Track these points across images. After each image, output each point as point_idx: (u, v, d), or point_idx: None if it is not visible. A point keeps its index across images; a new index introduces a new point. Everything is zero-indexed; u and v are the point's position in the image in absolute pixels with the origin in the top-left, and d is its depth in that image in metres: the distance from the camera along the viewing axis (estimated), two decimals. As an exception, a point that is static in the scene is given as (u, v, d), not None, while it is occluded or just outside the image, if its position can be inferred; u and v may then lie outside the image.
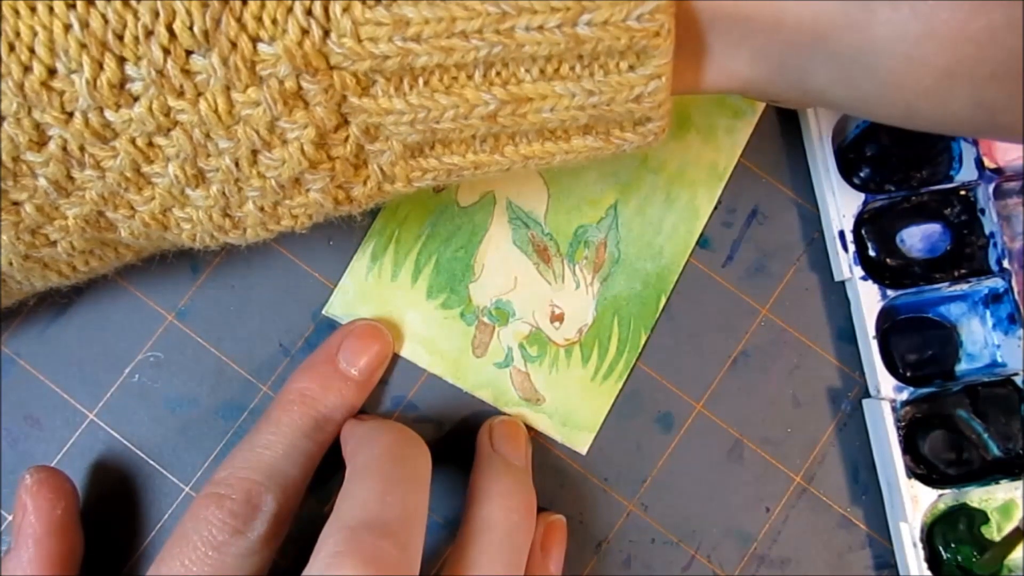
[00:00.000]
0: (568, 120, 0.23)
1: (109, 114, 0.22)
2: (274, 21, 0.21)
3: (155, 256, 0.31)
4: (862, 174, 0.32)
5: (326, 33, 0.21)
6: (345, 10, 0.21)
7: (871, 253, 0.32)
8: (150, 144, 0.22)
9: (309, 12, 0.21)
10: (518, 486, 0.27)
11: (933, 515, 0.30)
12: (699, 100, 0.33)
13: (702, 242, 0.32)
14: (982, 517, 0.30)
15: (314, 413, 0.28)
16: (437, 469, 0.27)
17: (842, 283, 0.32)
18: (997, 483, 0.30)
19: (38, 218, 0.23)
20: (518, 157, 0.25)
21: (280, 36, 0.21)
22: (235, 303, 0.31)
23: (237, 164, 0.23)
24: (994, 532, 0.30)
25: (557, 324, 0.32)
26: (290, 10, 0.21)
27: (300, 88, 0.22)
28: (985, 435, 0.31)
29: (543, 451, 0.31)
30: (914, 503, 0.29)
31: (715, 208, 0.32)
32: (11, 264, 0.24)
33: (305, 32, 0.21)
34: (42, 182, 0.22)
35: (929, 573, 0.29)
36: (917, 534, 0.29)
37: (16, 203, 0.23)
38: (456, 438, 0.31)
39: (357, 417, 0.29)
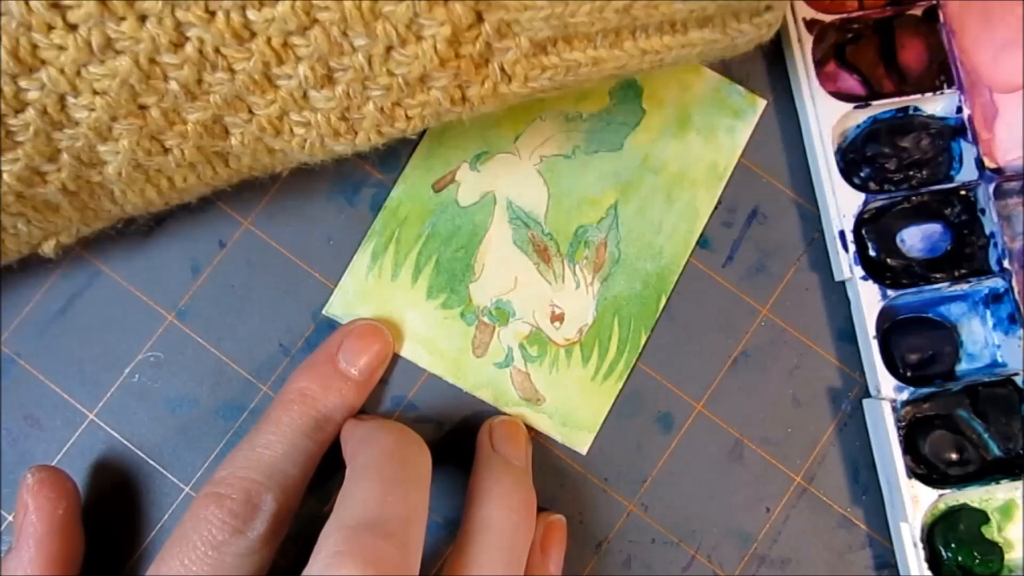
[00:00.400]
0: (696, 10, 0.24)
1: (252, 13, 0.22)
2: None
3: (155, 256, 0.31)
4: (862, 174, 0.32)
5: None
6: None
7: (871, 253, 0.32)
8: (285, 44, 0.22)
9: None
10: (518, 486, 0.27)
11: (933, 515, 0.30)
12: (699, 100, 0.33)
13: (702, 242, 0.32)
14: (982, 517, 0.30)
15: (314, 413, 0.28)
16: (437, 469, 0.27)
17: (842, 283, 0.32)
18: (997, 483, 0.30)
19: (161, 123, 0.23)
20: (636, 51, 0.25)
21: None
22: (235, 303, 0.31)
23: (370, 62, 0.23)
24: (994, 532, 0.30)
25: (557, 324, 0.32)
26: None
27: None
28: (985, 435, 0.31)
29: (543, 451, 0.31)
30: (914, 503, 0.29)
31: (715, 208, 0.32)
32: (120, 174, 0.24)
33: None
34: (173, 85, 0.22)
35: (929, 573, 0.29)
36: (917, 534, 0.29)
37: (143, 107, 0.23)
38: (456, 438, 0.31)
39: (357, 417, 0.29)
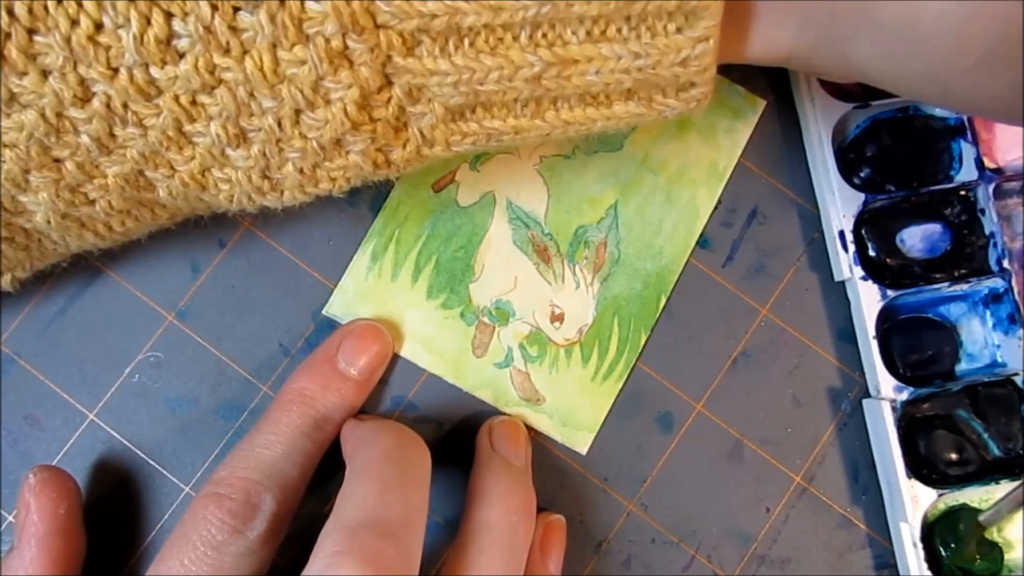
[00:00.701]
0: (612, 84, 0.23)
1: (155, 71, 0.22)
2: None
3: (154, 256, 0.31)
4: (862, 174, 0.32)
5: None
6: None
7: (871, 253, 0.32)
8: (193, 102, 0.22)
9: None
10: (518, 486, 0.27)
11: (933, 515, 0.30)
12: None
13: (702, 242, 0.32)
14: (982, 517, 0.30)
15: (313, 413, 0.28)
16: (437, 469, 0.27)
17: (842, 283, 0.32)
18: (997, 483, 0.30)
19: (79, 176, 0.23)
20: (559, 122, 0.25)
21: None
22: (235, 303, 0.31)
23: (280, 124, 0.23)
24: (994, 532, 0.30)
25: (557, 324, 0.32)
26: None
27: (346, 47, 0.22)
28: (985, 435, 0.31)
29: (543, 451, 0.31)
30: (914, 503, 0.29)
31: (715, 208, 0.32)
32: (48, 223, 0.24)
33: None
34: (84, 139, 0.23)
35: (929, 573, 0.29)
36: (917, 534, 0.29)
37: (57, 160, 0.23)
38: (456, 438, 0.31)
39: (357, 417, 0.29)
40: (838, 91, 0.32)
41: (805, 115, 0.32)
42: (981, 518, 0.29)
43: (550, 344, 0.31)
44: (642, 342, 0.32)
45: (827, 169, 0.31)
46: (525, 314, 0.32)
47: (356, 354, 0.29)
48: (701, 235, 0.32)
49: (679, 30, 0.22)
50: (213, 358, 0.31)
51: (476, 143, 0.25)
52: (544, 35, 0.22)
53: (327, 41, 0.21)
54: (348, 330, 0.30)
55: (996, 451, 0.31)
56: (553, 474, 0.31)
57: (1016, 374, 0.31)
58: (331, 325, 0.31)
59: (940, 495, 0.29)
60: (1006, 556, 0.30)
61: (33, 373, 0.31)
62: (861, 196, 0.31)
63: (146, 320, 0.31)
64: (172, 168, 0.24)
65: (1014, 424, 0.31)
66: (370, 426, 0.27)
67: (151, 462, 0.31)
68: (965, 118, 0.32)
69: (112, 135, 0.23)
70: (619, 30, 0.22)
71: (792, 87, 0.33)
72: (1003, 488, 0.30)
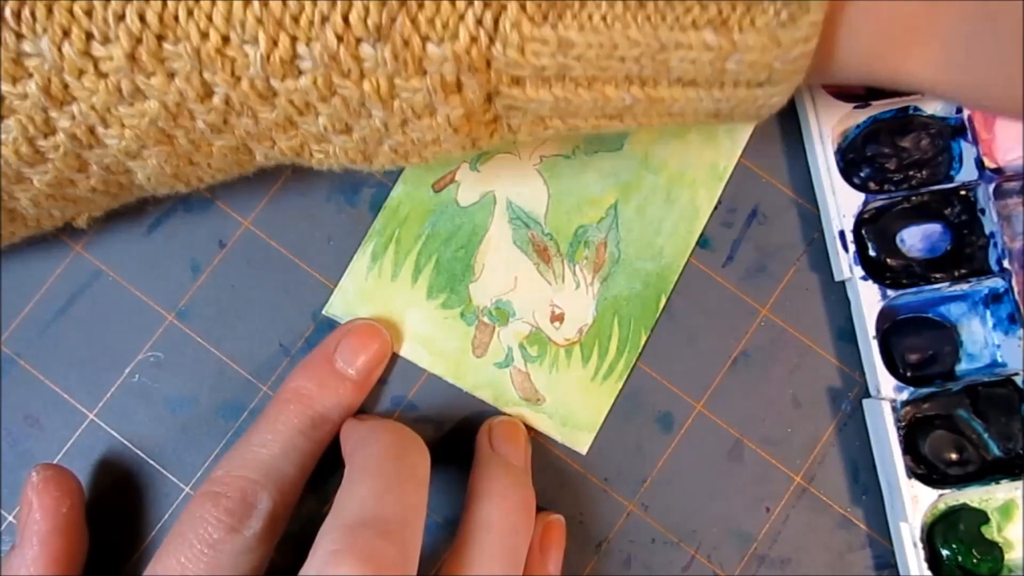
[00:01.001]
0: (690, 112, 0.25)
1: (275, 82, 0.23)
2: (445, 26, 0.22)
3: (154, 256, 0.31)
4: (862, 174, 0.32)
5: (491, 41, 0.22)
6: (514, 25, 0.22)
7: (871, 253, 0.32)
8: (307, 104, 0.23)
9: (479, 22, 0.22)
10: (517, 486, 0.27)
11: (933, 515, 0.30)
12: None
13: (702, 242, 0.32)
14: (982, 517, 0.30)
15: (311, 412, 0.28)
16: (437, 469, 0.27)
17: (842, 283, 0.32)
18: (997, 483, 0.30)
19: (188, 148, 0.25)
20: (633, 123, 0.26)
21: (450, 40, 0.22)
22: (235, 303, 0.31)
23: (386, 126, 0.24)
24: (994, 532, 0.30)
25: (557, 324, 0.32)
26: (462, 18, 0.22)
27: (459, 81, 0.23)
28: (985, 435, 0.31)
29: (543, 451, 0.31)
30: (914, 503, 0.29)
31: (715, 208, 0.32)
32: (150, 180, 0.26)
33: (474, 40, 0.22)
34: (201, 124, 0.24)
35: (929, 573, 0.29)
36: (917, 534, 0.29)
37: (171, 136, 0.24)
38: (456, 438, 0.31)
39: (356, 417, 0.29)
40: (838, 91, 0.32)
41: (805, 115, 0.32)
42: None
43: (550, 344, 0.31)
44: (642, 342, 0.32)
45: (827, 169, 0.31)
46: (525, 314, 0.32)
47: (354, 353, 0.29)
48: (701, 235, 0.32)
49: (760, 86, 0.23)
50: (213, 358, 0.31)
51: (557, 133, 0.26)
52: (640, 79, 0.23)
53: (443, 76, 0.23)
54: (347, 329, 0.30)
55: (996, 451, 0.31)
56: (553, 474, 0.31)
57: (1016, 374, 0.30)
58: (331, 325, 0.31)
59: (940, 495, 0.29)
60: (1006, 556, 0.30)
61: (33, 373, 0.31)
62: (861, 196, 0.31)
63: (146, 320, 0.31)
64: (274, 142, 0.25)
65: (1014, 424, 0.30)
66: (369, 425, 0.27)
67: (151, 462, 0.31)
68: (965, 118, 0.31)
69: (226, 122, 0.24)
70: (707, 79, 0.23)
71: (792, 87, 0.33)
72: (1003, 488, 0.30)
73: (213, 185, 0.29)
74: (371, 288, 0.31)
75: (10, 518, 0.30)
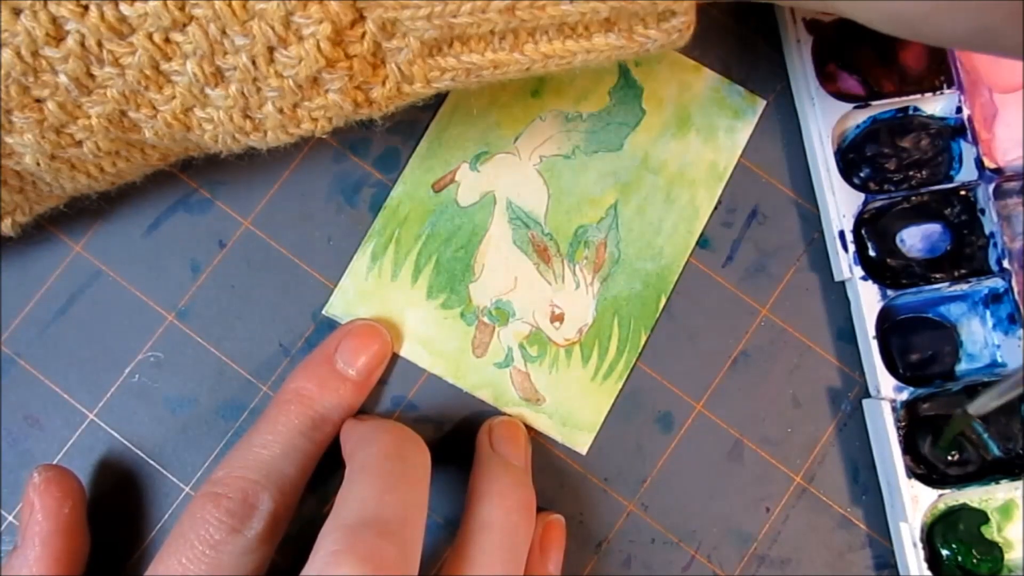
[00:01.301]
0: (588, 13, 0.23)
1: (124, 7, 0.22)
2: None
3: (154, 256, 0.31)
4: (862, 174, 0.32)
5: None
6: None
7: (871, 253, 0.32)
8: (167, 40, 0.22)
9: None
10: (517, 486, 0.27)
11: (933, 515, 0.30)
12: (699, 100, 0.33)
13: (702, 242, 0.32)
14: (982, 517, 0.30)
15: (311, 412, 0.28)
16: (437, 469, 0.27)
17: (842, 283, 0.32)
18: (997, 483, 0.30)
19: (61, 116, 0.24)
20: (538, 55, 0.24)
21: None
22: (235, 303, 0.31)
23: (254, 62, 0.23)
24: (994, 532, 0.30)
25: (557, 324, 0.32)
26: None
27: None
28: (985, 435, 0.31)
29: (543, 451, 0.31)
30: (914, 503, 0.29)
31: (715, 208, 0.32)
32: (38, 164, 0.25)
33: None
34: (63, 79, 0.23)
35: (929, 573, 0.29)
36: (917, 534, 0.29)
37: (38, 100, 0.23)
38: (456, 438, 0.31)
39: (357, 417, 0.29)
40: (838, 91, 0.32)
41: (805, 115, 0.32)
42: (970, 407, 0.28)
43: (550, 344, 0.31)
44: (642, 342, 0.32)
45: (827, 169, 0.31)
46: (525, 314, 0.32)
47: (354, 354, 0.29)
48: (701, 235, 0.32)
49: None
50: (213, 358, 0.31)
51: (456, 79, 0.25)
52: None
53: None
54: (347, 330, 0.30)
55: (996, 451, 0.31)
56: (553, 474, 0.31)
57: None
58: (331, 325, 0.31)
59: (940, 495, 0.29)
60: (1006, 556, 0.30)
61: (33, 373, 0.31)
62: (861, 196, 0.31)
63: (146, 320, 0.31)
64: (154, 108, 0.24)
65: (1014, 424, 0.30)
66: (370, 426, 0.27)
67: (151, 462, 0.31)
68: (965, 118, 0.32)
69: (90, 75, 0.23)
70: None
71: (792, 87, 0.33)
72: (1003, 488, 0.30)
73: (149, 175, 0.27)
74: (371, 288, 0.31)
75: (10, 518, 0.30)
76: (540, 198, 0.32)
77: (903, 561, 0.30)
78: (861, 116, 0.32)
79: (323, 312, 0.31)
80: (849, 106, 0.31)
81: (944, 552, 0.30)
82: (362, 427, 0.28)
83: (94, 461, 0.31)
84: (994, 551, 0.30)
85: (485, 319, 0.31)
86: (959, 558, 0.30)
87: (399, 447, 0.26)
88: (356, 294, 0.31)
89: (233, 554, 0.25)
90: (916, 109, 0.32)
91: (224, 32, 0.22)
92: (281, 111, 0.24)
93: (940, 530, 0.30)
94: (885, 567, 0.31)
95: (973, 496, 0.30)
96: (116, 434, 0.31)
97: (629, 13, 0.23)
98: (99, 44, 0.22)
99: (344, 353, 0.29)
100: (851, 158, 0.32)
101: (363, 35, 0.23)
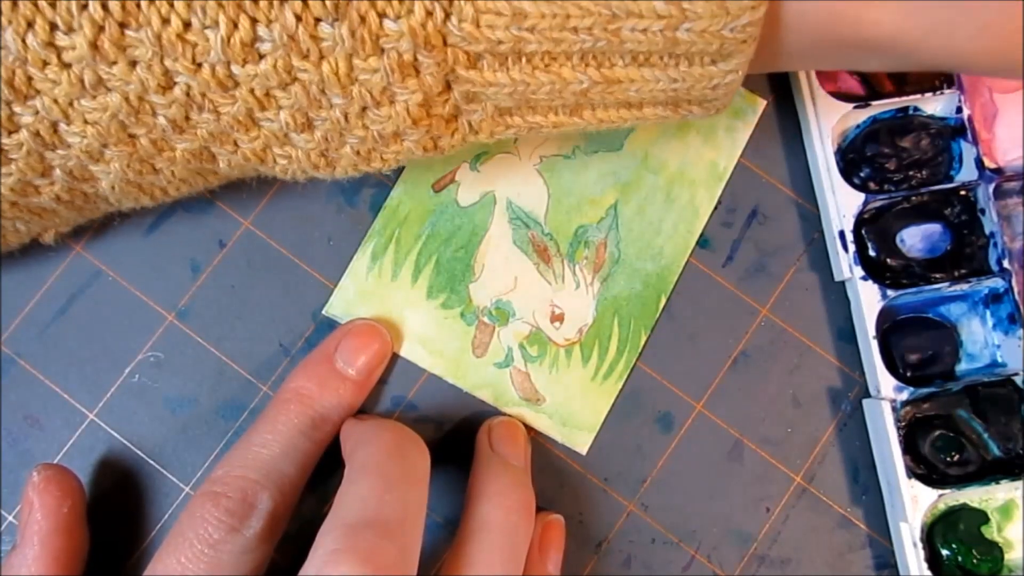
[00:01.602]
0: (648, 97, 0.25)
1: (235, 68, 0.23)
2: (401, 1, 0.22)
3: (154, 256, 0.31)
4: (862, 174, 0.32)
5: (447, 16, 0.22)
6: None
7: (871, 253, 0.32)
8: (267, 95, 0.24)
9: None
10: (517, 486, 0.27)
11: (933, 515, 0.30)
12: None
13: (702, 242, 0.32)
14: (982, 517, 0.30)
15: (311, 412, 0.28)
16: (437, 469, 0.27)
17: (842, 283, 0.32)
18: (997, 483, 0.30)
19: (151, 150, 0.25)
20: (594, 120, 0.27)
21: (406, 15, 0.22)
22: (235, 303, 0.31)
23: (346, 117, 0.25)
24: (994, 532, 0.30)
25: (557, 324, 0.32)
26: None
27: (416, 60, 0.23)
28: (985, 435, 0.31)
29: (543, 451, 0.31)
30: (914, 503, 0.29)
31: (715, 208, 0.32)
32: (113, 188, 0.26)
33: (429, 14, 0.22)
34: (161, 120, 0.24)
35: (929, 573, 0.29)
36: (917, 534, 0.29)
37: (133, 136, 0.24)
38: (456, 438, 0.31)
39: (357, 417, 0.29)
40: (838, 91, 0.32)
41: (805, 115, 0.32)
42: None
43: (550, 344, 0.31)
44: (642, 342, 0.32)
45: (827, 169, 0.31)
46: (525, 314, 0.32)
47: (354, 354, 0.29)
48: (701, 235, 0.32)
49: (713, 62, 0.24)
50: (213, 358, 0.31)
51: (518, 133, 0.27)
52: (594, 58, 0.24)
53: (400, 55, 0.23)
54: (347, 330, 0.30)
55: (996, 451, 0.31)
56: (553, 474, 0.31)
57: (1016, 374, 0.30)
58: (331, 325, 0.31)
59: (940, 495, 0.29)
60: (1006, 556, 0.30)
61: (33, 373, 0.31)
62: (861, 196, 0.31)
63: (146, 320, 0.31)
64: (237, 145, 0.25)
65: (1014, 424, 0.30)
66: (369, 425, 0.27)
67: (151, 462, 0.31)
68: (965, 118, 0.31)
69: (187, 118, 0.24)
70: (661, 59, 0.24)
71: (792, 87, 0.33)
72: (1003, 488, 0.30)
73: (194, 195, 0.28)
74: (371, 288, 0.31)
75: (10, 518, 0.30)
76: (540, 198, 0.32)
77: (903, 561, 0.30)
78: (861, 116, 0.32)
79: (323, 312, 0.31)
80: (849, 106, 0.31)
81: (944, 552, 0.30)
82: (362, 427, 0.28)
83: (94, 461, 0.31)
84: (994, 551, 0.30)
85: (485, 319, 0.31)
86: (959, 558, 0.30)
87: (399, 447, 0.26)
88: (356, 294, 0.31)
89: (232, 553, 0.25)
90: (916, 109, 0.32)
91: (323, 92, 0.24)
92: (357, 153, 0.26)
93: (940, 530, 0.30)
94: (885, 567, 0.31)
95: (973, 496, 0.30)
96: (116, 434, 0.31)
97: (682, 94, 0.25)
98: (203, 95, 0.24)
99: (344, 353, 0.29)
100: (851, 158, 0.32)
101: (447, 101, 0.25)
